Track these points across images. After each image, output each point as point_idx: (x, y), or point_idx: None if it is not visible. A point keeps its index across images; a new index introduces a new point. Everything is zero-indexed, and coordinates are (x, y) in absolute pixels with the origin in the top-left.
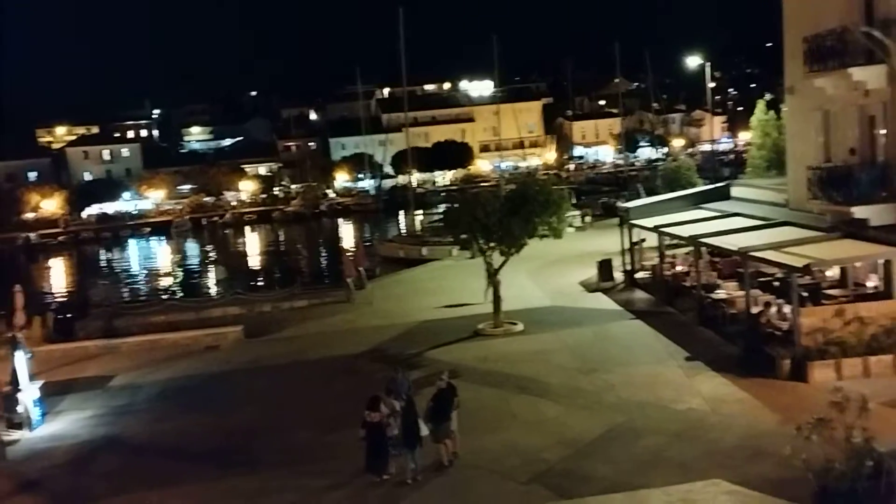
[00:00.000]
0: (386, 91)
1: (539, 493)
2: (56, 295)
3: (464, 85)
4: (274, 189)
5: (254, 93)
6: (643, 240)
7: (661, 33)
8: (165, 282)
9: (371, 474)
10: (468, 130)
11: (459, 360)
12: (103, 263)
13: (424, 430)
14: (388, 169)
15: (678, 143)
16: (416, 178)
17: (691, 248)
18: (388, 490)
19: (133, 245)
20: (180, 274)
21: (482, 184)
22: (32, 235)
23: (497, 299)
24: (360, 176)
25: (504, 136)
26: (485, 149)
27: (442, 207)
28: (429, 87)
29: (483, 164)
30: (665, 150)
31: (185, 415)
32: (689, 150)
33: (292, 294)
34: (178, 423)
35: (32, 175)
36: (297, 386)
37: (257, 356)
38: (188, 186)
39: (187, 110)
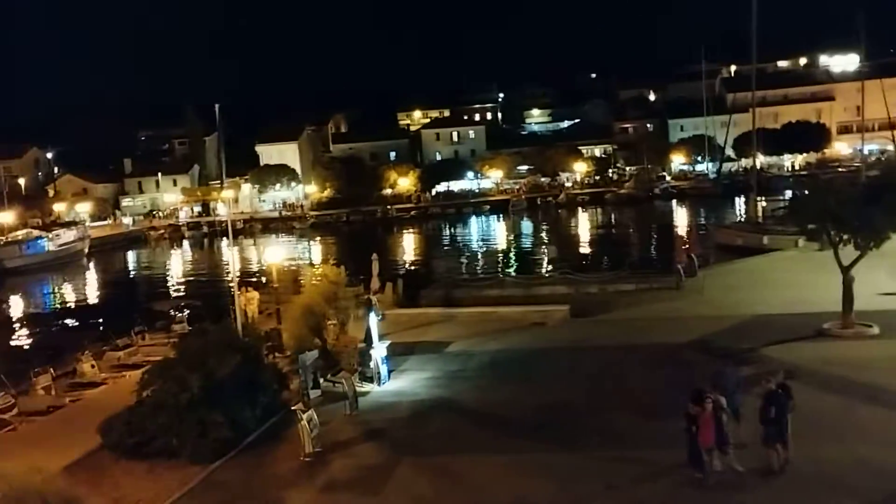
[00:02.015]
0: (732, 69)
1: None
2: (406, 264)
3: (823, 60)
4: (608, 171)
5: (593, 75)
6: None
7: None
8: (500, 258)
9: (693, 469)
10: (825, 110)
11: (797, 361)
12: (447, 238)
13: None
14: (730, 152)
15: None
16: (760, 161)
17: None
18: (709, 488)
19: (473, 222)
20: (514, 251)
21: (839, 169)
22: (389, 209)
23: (848, 298)
24: (699, 159)
25: (869, 116)
26: (844, 130)
27: (788, 194)
28: (781, 64)
29: (841, 148)
30: None
31: (510, 386)
32: None
33: (620, 277)
34: (503, 394)
35: (392, 154)
36: (619, 369)
37: (581, 336)
38: (526, 167)
39: (530, 93)
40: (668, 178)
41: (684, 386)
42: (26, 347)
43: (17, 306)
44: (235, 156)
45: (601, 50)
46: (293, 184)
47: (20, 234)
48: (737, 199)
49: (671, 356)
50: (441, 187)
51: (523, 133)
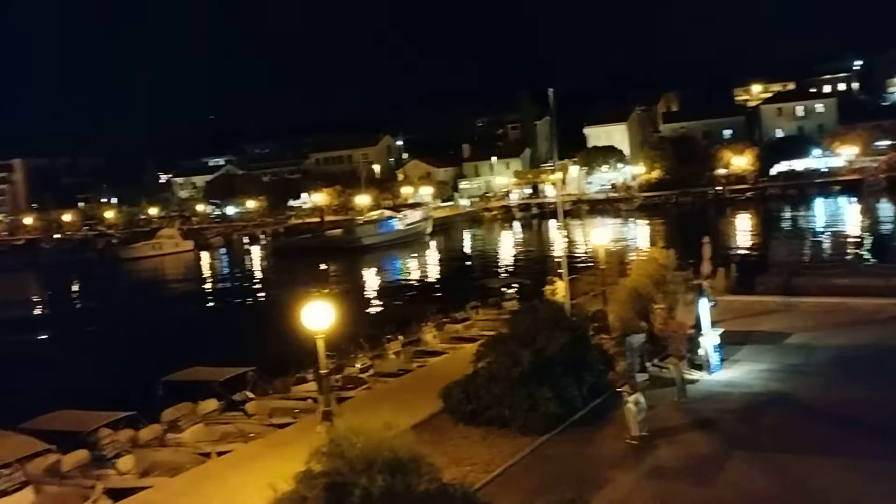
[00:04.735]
0: None
1: None
2: (739, 248)
3: None
4: None
5: None
6: None
7: None
8: (851, 243)
9: None
10: None
11: None
12: (787, 220)
13: None
14: None
15: None
16: None
17: None
18: None
19: (819, 203)
20: (869, 236)
21: None
22: (722, 190)
23: None
24: None
25: None
26: None
27: None
28: None
29: None
30: None
31: (860, 385)
32: None
33: None
34: (850, 393)
35: (727, 133)
36: None
37: None
38: (887, 142)
39: (893, 58)
40: None
41: None
42: (380, 316)
43: (372, 278)
44: (564, 138)
45: None
46: (620, 165)
47: (374, 214)
48: None
49: None
50: (781, 166)
51: (884, 104)
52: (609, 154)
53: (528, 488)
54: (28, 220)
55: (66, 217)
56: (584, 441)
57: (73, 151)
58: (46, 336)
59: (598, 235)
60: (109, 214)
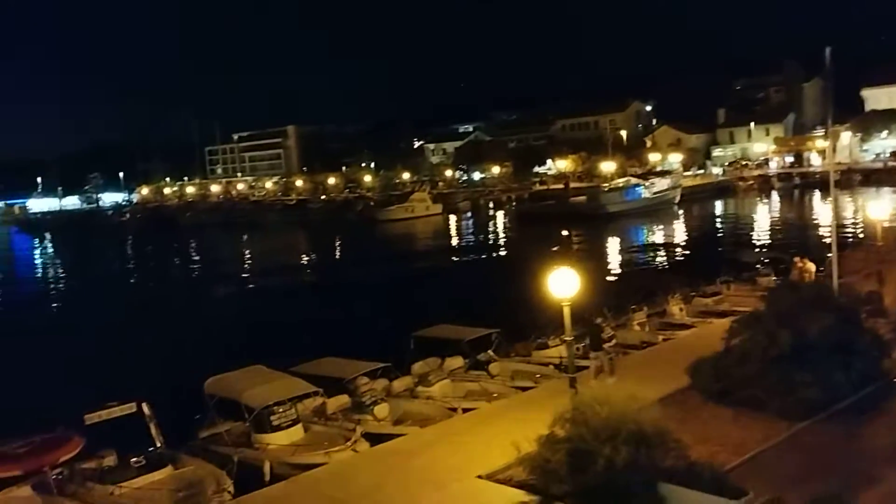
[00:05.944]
0: None
1: None
2: None
3: None
4: None
5: None
6: None
7: None
8: None
9: None
10: None
11: None
12: None
13: None
14: None
15: None
16: None
17: None
18: None
19: None
20: None
21: None
22: None
23: None
24: None
25: None
26: None
27: None
28: None
29: None
30: None
31: None
32: None
33: None
34: None
35: None
36: None
37: None
38: None
39: None
40: None
41: None
42: (624, 285)
43: (616, 247)
44: (835, 102)
45: None
46: None
47: (621, 181)
48: None
49: None
50: None
51: None
52: (891, 118)
53: (784, 476)
54: (299, 182)
55: (331, 180)
56: (851, 432)
57: (339, 119)
58: (312, 286)
59: (875, 209)
60: (368, 178)
